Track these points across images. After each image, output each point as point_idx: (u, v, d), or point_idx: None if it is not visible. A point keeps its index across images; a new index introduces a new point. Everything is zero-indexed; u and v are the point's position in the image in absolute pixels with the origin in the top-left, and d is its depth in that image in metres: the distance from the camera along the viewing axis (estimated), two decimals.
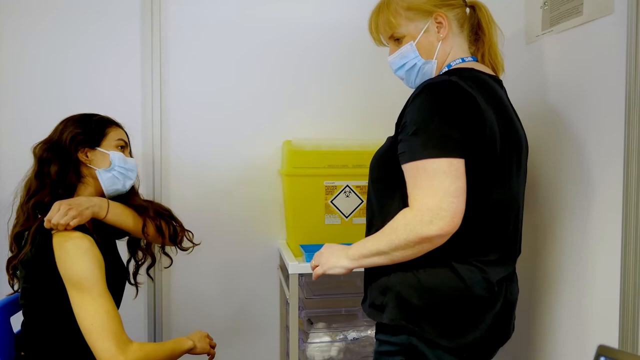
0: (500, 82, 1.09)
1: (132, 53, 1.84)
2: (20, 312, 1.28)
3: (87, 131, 1.26)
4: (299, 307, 1.55)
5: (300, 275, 1.56)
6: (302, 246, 1.67)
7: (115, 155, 1.28)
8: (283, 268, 1.91)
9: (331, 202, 1.78)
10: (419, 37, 1.07)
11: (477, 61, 1.10)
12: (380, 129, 2.03)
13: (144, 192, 1.81)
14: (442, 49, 1.07)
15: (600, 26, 1.07)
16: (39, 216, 1.20)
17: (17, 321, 1.29)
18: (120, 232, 1.35)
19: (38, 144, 1.26)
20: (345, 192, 1.79)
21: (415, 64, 1.10)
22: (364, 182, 1.78)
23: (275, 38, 1.95)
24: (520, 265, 1.13)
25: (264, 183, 1.97)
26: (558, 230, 1.22)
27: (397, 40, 1.11)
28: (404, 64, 1.12)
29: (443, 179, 0.87)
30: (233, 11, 1.92)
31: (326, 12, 1.98)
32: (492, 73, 1.09)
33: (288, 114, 1.98)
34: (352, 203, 1.80)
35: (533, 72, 1.31)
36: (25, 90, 1.77)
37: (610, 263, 1.05)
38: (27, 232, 1.20)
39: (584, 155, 1.13)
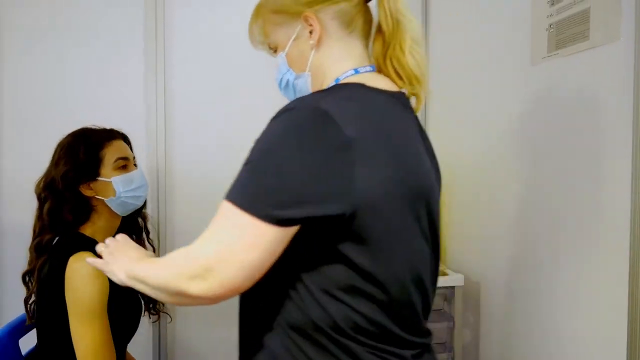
0: (404, 100, 0.80)
1: (135, 61, 1.84)
2: (27, 334, 1.29)
3: (78, 166, 1.21)
4: None
5: None
6: None
7: (118, 181, 1.23)
8: None
9: None
10: (288, 45, 0.85)
11: (375, 71, 0.83)
12: None
13: (149, 204, 1.82)
14: (317, 59, 0.82)
15: (607, 52, 1.07)
16: (43, 256, 1.19)
17: (25, 344, 1.29)
18: None
19: (38, 181, 1.25)
20: None
21: (288, 79, 0.89)
22: None
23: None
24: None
25: None
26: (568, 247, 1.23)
27: (275, 51, 0.91)
28: (280, 81, 0.91)
29: (237, 238, 0.66)
30: (237, 19, 1.89)
31: None
32: (394, 88, 0.80)
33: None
34: None
35: (537, 93, 1.31)
36: (27, 99, 1.77)
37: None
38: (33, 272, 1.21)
39: (589, 183, 1.13)
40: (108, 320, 1.13)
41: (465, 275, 1.62)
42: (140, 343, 1.75)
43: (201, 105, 1.90)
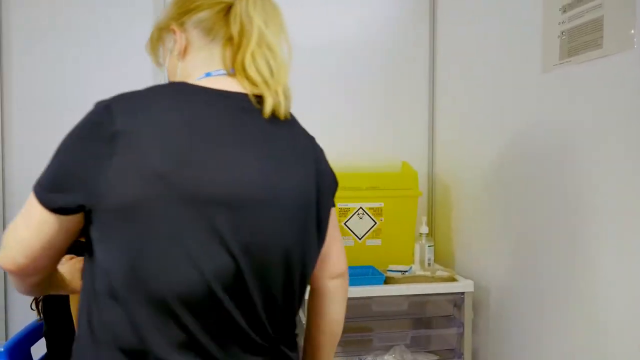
0: (244, 102, 0.76)
1: (141, 61, 1.84)
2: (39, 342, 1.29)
3: None
4: None
5: None
6: None
7: None
8: None
9: (345, 224, 1.79)
10: (166, 59, 0.86)
11: (228, 75, 0.80)
12: (393, 150, 2.05)
13: None
14: (184, 69, 0.82)
15: (620, 60, 1.08)
16: None
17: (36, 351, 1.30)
18: None
19: None
20: (358, 214, 1.80)
21: None
22: (378, 204, 1.79)
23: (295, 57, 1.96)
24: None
25: None
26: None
27: None
28: None
29: (20, 217, 0.71)
30: None
31: (340, 33, 1.99)
32: (237, 89, 0.77)
33: None
34: (366, 225, 1.80)
35: (548, 100, 1.32)
36: (32, 99, 1.79)
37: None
38: None
39: (601, 190, 1.13)
40: None
41: (474, 281, 1.62)
42: None
43: None
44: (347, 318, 1.71)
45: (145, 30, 0.92)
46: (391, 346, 1.60)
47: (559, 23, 1.26)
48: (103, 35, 1.84)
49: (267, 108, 0.76)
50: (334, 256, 0.94)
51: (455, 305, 1.64)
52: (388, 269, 1.68)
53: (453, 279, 1.63)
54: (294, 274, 0.79)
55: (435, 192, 2.05)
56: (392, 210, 1.80)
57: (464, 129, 1.81)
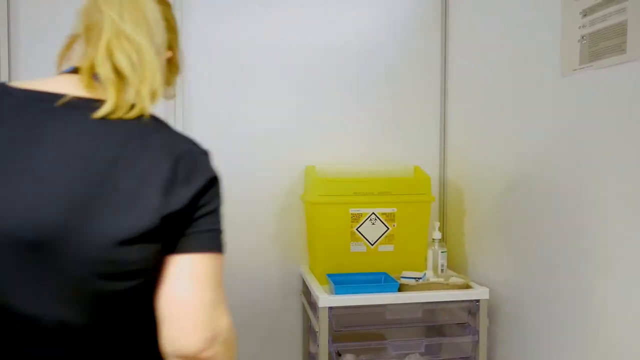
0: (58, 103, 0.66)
1: None
2: None
3: None
4: (329, 340, 1.53)
5: (330, 308, 1.54)
6: (329, 276, 1.65)
7: None
8: (306, 294, 1.90)
9: (357, 229, 1.77)
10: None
11: (74, 71, 0.72)
12: (405, 154, 2.03)
13: None
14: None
15: None
16: None
17: None
18: None
19: None
20: (371, 219, 1.77)
21: None
22: (391, 209, 1.77)
23: (297, 61, 1.94)
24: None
25: (285, 207, 1.96)
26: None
27: None
28: None
29: None
30: (255, 35, 1.92)
31: (351, 35, 1.97)
32: (61, 90, 0.68)
33: (309, 138, 1.97)
34: (378, 230, 1.78)
35: (567, 105, 1.29)
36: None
37: None
38: None
39: (620, 196, 1.11)
40: None
41: (490, 289, 1.60)
42: None
43: (218, 120, 1.90)
44: (361, 325, 1.71)
45: None
46: (406, 354, 1.58)
47: (579, 27, 1.24)
48: None
49: (102, 111, 0.65)
50: (179, 325, 0.64)
51: (469, 313, 1.62)
52: (401, 275, 1.66)
53: (468, 286, 1.61)
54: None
55: (448, 196, 2.02)
56: (405, 216, 1.78)
57: (476, 133, 1.79)
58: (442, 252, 1.73)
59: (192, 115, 1.87)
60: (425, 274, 1.65)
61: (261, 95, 1.93)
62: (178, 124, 1.83)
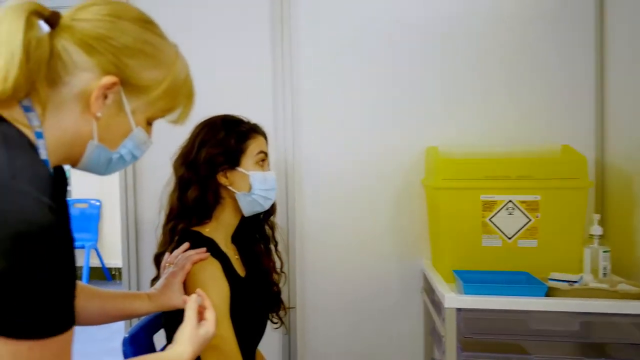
0: None
1: (262, 59, 1.75)
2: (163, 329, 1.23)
3: (227, 150, 1.16)
4: (457, 346, 1.29)
5: (458, 309, 1.30)
6: (457, 272, 1.41)
7: (255, 177, 1.17)
8: (428, 291, 1.67)
9: (489, 219, 1.49)
10: None
11: None
12: (548, 131, 1.69)
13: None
14: None
15: None
16: (175, 238, 1.13)
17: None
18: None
19: (177, 158, 1.20)
20: (507, 208, 1.49)
21: None
22: (533, 197, 1.46)
23: (415, 35, 1.73)
24: None
25: (403, 193, 1.75)
26: None
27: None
28: None
29: None
30: (370, 12, 1.74)
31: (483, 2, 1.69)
32: None
33: (430, 117, 1.74)
34: (517, 221, 1.48)
35: None
36: None
37: None
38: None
39: None
40: (230, 322, 1.05)
41: None
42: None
43: (329, 102, 1.76)
44: (496, 334, 1.44)
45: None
46: None
47: None
48: (229, 34, 1.77)
49: None
50: None
51: None
52: (550, 277, 1.35)
53: (637, 296, 1.25)
54: None
55: (608, 183, 1.64)
56: (552, 205, 1.45)
57: None
58: (603, 251, 1.38)
59: (300, 98, 1.75)
60: (582, 277, 1.33)
61: (375, 73, 1.74)
62: (287, 106, 1.73)
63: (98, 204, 4.75)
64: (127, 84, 0.68)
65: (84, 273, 4.24)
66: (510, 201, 1.49)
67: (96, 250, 4.61)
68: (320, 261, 1.76)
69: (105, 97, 0.67)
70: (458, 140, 1.71)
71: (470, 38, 1.71)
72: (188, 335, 0.83)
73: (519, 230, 1.49)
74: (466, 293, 1.31)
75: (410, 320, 1.76)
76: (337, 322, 1.77)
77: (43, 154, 0.63)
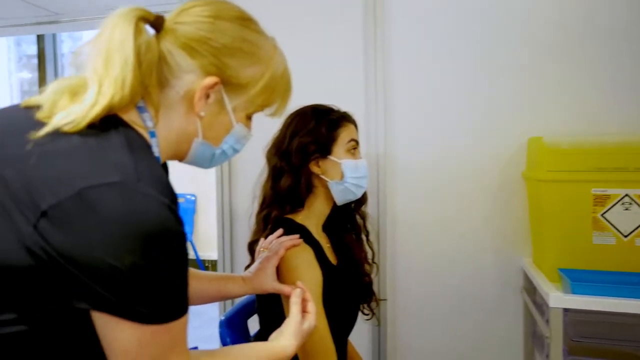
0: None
1: (354, 48, 1.74)
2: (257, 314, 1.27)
3: (319, 139, 1.16)
4: (563, 350, 1.20)
5: (565, 310, 1.20)
6: (563, 272, 1.31)
7: (347, 165, 1.16)
8: (529, 291, 1.57)
9: (602, 215, 1.37)
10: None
11: None
12: None
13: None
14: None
15: None
16: (269, 226, 1.16)
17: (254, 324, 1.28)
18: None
19: (269, 149, 1.22)
20: (623, 203, 1.35)
21: None
22: None
23: (513, 21, 1.62)
24: None
25: (502, 188, 1.66)
26: None
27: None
28: None
29: None
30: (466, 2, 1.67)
31: None
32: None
33: (532, 105, 1.63)
34: (635, 218, 1.34)
35: None
36: None
37: None
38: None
39: None
40: (323, 310, 1.05)
41: None
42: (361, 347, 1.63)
43: (422, 91, 1.70)
44: (610, 339, 1.31)
45: None
46: None
47: None
48: (321, 25, 1.79)
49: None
50: None
51: None
52: None
53: None
54: None
55: None
56: None
57: None
58: None
59: (393, 87, 1.71)
60: None
61: (471, 60, 1.66)
62: (379, 95, 1.70)
63: (193, 198, 5.03)
64: (228, 83, 0.70)
65: None
66: (626, 195, 1.35)
67: (191, 242, 4.88)
68: (412, 255, 1.72)
69: (208, 96, 0.69)
70: (564, 130, 1.59)
71: (576, 21, 1.58)
72: (294, 330, 0.86)
73: (637, 228, 1.34)
74: (574, 293, 1.21)
75: (508, 322, 1.66)
76: (429, 318, 1.71)
77: (156, 152, 0.67)
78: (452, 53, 1.67)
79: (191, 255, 4.81)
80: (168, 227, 0.57)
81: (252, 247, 1.20)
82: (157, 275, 0.56)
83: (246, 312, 1.29)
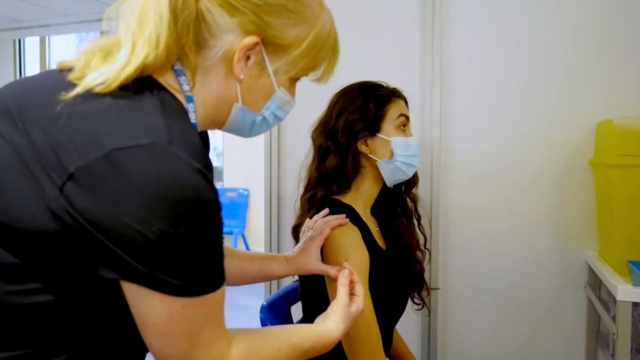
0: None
1: (411, 29, 1.67)
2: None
3: (366, 116, 1.11)
4: (631, 348, 1.09)
5: (635, 304, 1.10)
6: (633, 263, 1.20)
7: (397, 143, 1.10)
8: (593, 287, 1.46)
9: None
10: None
11: None
12: None
13: (421, 188, 1.63)
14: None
15: None
16: (314, 207, 1.13)
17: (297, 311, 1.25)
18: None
19: (315, 128, 1.18)
20: None
21: None
22: None
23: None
24: None
25: (566, 177, 1.54)
26: None
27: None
28: None
29: None
30: None
31: None
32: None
33: (601, 87, 1.50)
34: None
35: None
36: None
37: None
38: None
39: None
40: (369, 293, 1.00)
41: None
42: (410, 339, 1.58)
43: (481, 73, 1.62)
44: None
45: None
46: None
47: None
48: (379, 14, 1.73)
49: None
50: None
51: None
52: None
53: None
54: None
55: None
56: None
57: None
58: None
59: (450, 65, 1.64)
60: None
61: (533, 42, 1.56)
62: (435, 72, 1.62)
63: (246, 192, 5.13)
64: (270, 43, 0.65)
65: None
66: None
67: (243, 236, 4.97)
68: (467, 245, 1.63)
69: (248, 58, 0.65)
70: (636, 112, 1.46)
71: None
72: (341, 313, 0.82)
73: None
74: None
75: (570, 320, 1.55)
76: (482, 312, 1.62)
77: (192, 117, 0.64)
78: (513, 34, 1.57)
79: (243, 249, 4.90)
80: (199, 193, 0.54)
81: (296, 231, 1.17)
82: (187, 244, 0.53)
83: (290, 298, 1.26)
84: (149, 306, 0.55)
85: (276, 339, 0.71)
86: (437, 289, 1.62)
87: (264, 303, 1.18)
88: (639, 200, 1.28)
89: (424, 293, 1.26)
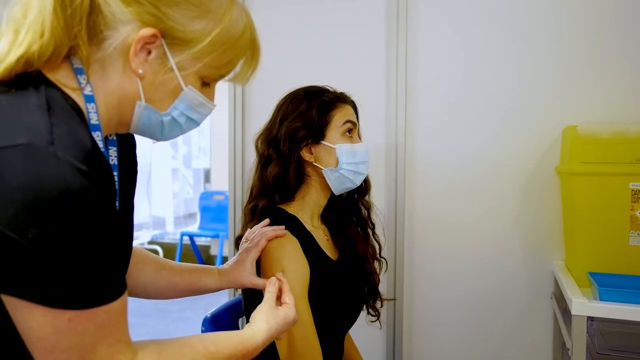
0: None
1: (376, 34, 1.63)
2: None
3: (309, 123, 1.07)
4: None
5: (590, 319, 1.06)
6: (592, 275, 1.16)
7: (343, 150, 1.06)
8: (558, 298, 1.42)
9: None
10: None
11: None
12: None
13: (384, 195, 1.59)
14: None
15: None
16: (255, 219, 1.09)
17: None
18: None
19: (259, 136, 1.14)
20: None
21: None
22: None
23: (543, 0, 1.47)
24: None
25: (533, 184, 1.50)
26: None
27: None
28: None
29: None
30: None
31: None
32: None
33: (567, 95, 1.46)
34: None
35: None
36: (271, 70, 1.66)
37: None
38: None
39: None
40: (308, 305, 0.96)
41: None
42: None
43: (446, 76, 1.57)
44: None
45: None
46: None
47: None
48: (344, 14, 1.69)
49: None
50: None
51: None
52: None
53: None
54: None
55: None
56: None
57: None
58: None
59: (415, 74, 1.59)
60: None
61: (499, 42, 1.52)
62: (400, 83, 1.59)
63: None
64: (169, 36, 0.61)
65: (218, 261, 4.50)
66: None
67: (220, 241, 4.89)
68: (431, 254, 1.59)
69: (149, 52, 0.61)
70: (601, 119, 1.42)
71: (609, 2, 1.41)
72: (265, 314, 0.78)
73: None
74: (602, 299, 1.06)
75: (536, 331, 1.50)
76: (448, 324, 1.58)
77: (94, 119, 0.60)
78: (478, 40, 1.53)
79: (224, 252, 4.78)
80: (80, 194, 0.50)
81: (238, 242, 1.12)
82: (67, 251, 0.49)
83: (238, 309, 1.22)
84: (30, 320, 0.51)
85: (190, 347, 0.66)
86: (394, 299, 1.58)
87: (207, 315, 1.14)
88: (601, 208, 1.24)
89: (378, 304, 1.22)
